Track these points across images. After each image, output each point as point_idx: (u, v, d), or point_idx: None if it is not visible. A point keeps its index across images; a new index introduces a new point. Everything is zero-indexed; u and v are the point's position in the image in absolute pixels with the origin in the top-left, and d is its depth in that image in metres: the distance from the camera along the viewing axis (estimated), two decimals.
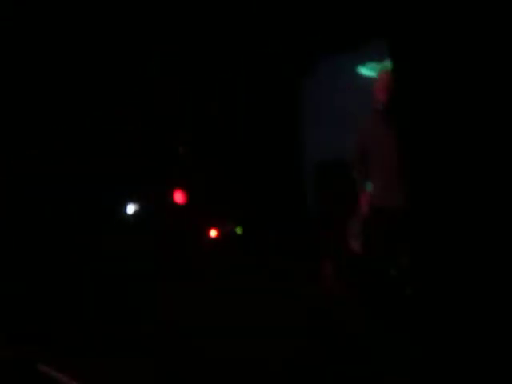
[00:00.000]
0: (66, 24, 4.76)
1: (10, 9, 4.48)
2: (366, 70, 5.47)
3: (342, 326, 3.25)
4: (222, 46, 5.40)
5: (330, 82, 5.69)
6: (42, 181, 4.68)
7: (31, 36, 4.69)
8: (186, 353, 3.12)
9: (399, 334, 2.77)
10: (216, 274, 4.60)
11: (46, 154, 4.78)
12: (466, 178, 2.17)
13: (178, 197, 5.33)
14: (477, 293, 2.15)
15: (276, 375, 2.74)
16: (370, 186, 3.51)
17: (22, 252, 4.47)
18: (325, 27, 5.26)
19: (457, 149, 2.18)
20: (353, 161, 3.54)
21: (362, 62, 5.46)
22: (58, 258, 4.60)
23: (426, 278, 2.33)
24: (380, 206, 3.28)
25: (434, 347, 2.25)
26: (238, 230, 5.58)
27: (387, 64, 5.22)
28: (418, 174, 2.32)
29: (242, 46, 5.46)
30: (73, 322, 3.66)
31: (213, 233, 5.52)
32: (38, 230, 4.66)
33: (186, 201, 5.36)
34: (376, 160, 3.33)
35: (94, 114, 5.08)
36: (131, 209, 5.18)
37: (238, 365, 2.86)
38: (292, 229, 5.48)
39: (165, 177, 5.31)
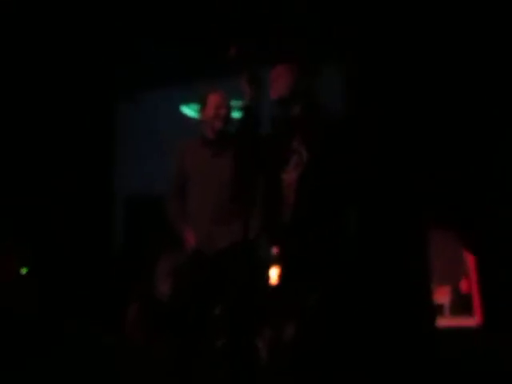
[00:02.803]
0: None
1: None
2: (189, 111, 5.26)
3: None
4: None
5: (153, 112, 5.36)
6: None
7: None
8: None
9: None
10: None
11: None
12: None
13: None
14: None
15: None
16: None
17: None
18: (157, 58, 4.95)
19: None
20: (168, 195, 2.95)
21: (187, 102, 5.26)
22: None
23: None
24: (199, 249, 2.84)
25: None
26: (23, 271, 4.69)
27: None
28: None
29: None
30: None
31: None
32: None
33: None
34: (197, 195, 2.84)
35: None
36: None
37: None
38: (94, 269, 4.84)
39: None
